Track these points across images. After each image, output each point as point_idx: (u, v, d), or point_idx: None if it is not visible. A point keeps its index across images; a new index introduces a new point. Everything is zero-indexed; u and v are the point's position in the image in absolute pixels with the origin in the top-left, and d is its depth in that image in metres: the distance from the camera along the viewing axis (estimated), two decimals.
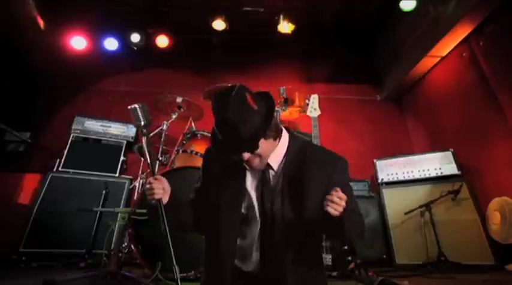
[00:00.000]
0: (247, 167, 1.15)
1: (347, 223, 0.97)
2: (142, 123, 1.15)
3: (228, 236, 1.11)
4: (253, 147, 1.04)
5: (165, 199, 1.12)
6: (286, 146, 1.16)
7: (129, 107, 1.16)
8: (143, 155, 1.15)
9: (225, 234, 1.11)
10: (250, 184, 1.16)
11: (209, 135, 2.75)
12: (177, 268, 1.00)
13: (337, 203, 0.92)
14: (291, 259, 1.05)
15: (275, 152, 1.13)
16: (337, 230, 1.01)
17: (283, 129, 1.19)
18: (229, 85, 1.08)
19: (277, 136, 1.13)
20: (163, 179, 1.13)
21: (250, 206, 1.14)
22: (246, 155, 1.06)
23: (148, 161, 1.14)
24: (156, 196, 1.08)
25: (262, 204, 1.12)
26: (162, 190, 1.10)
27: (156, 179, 1.11)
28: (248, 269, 1.12)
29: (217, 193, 1.16)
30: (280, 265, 1.05)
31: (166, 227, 1.06)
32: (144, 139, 1.16)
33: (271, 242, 1.09)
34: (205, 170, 1.28)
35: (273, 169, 1.14)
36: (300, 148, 1.18)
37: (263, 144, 1.05)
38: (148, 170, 3.25)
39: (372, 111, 4.87)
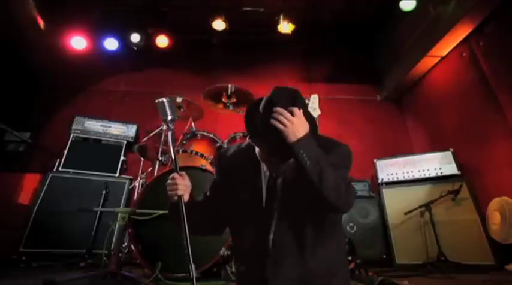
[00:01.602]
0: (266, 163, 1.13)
1: (305, 153, 0.95)
2: (170, 117, 1.13)
3: (256, 233, 1.09)
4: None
5: (186, 197, 1.11)
6: None
7: (156, 101, 1.14)
8: (169, 149, 1.12)
9: (251, 232, 1.10)
10: (263, 179, 1.16)
11: (209, 135, 2.75)
12: (193, 266, 0.98)
13: (281, 114, 0.96)
14: (300, 252, 1.04)
15: None
16: (299, 162, 0.97)
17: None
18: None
19: None
20: (186, 176, 1.12)
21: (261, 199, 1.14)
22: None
23: (173, 156, 1.12)
24: (179, 192, 1.07)
25: (269, 197, 1.13)
26: (185, 187, 1.09)
27: (180, 175, 1.09)
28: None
29: (236, 190, 1.15)
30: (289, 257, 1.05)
31: (186, 225, 1.04)
32: (169, 134, 1.14)
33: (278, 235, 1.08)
34: (222, 169, 1.25)
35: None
36: None
37: None
38: (150, 170, 3.26)
39: (372, 111, 4.87)
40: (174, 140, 1.13)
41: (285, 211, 1.09)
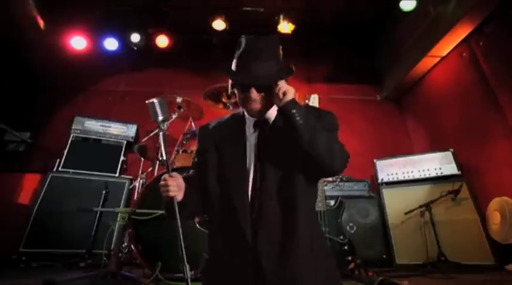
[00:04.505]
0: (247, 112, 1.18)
1: (297, 112, 1.04)
2: (160, 118, 1.13)
3: (241, 198, 1.09)
4: (271, 79, 1.11)
5: (180, 197, 1.10)
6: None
7: (146, 101, 1.14)
8: (158, 151, 1.15)
9: (237, 197, 1.09)
10: (249, 143, 1.18)
11: None
12: (187, 267, 0.99)
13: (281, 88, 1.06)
14: (286, 219, 1.06)
15: (274, 108, 1.18)
16: (291, 121, 1.04)
17: None
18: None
19: None
20: (178, 176, 1.11)
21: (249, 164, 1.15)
22: (255, 94, 1.10)
23: (164, 157, 1.11)
24: (171, 194, 1.06)
25: (258, 159, 1.14)
26: (176, 188, 1.08)
27: (171, 176, 1.08)
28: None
29: (220, 157, 1.15)
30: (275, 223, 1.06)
31: (179, 226, 1.03)
32: (160, 134, 1.13)
33: (262, 199, 1.08)
34: (203, 143, 1.26)
35: (268, 123, 1.18)
36: None
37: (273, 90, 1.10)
38: (150, 170, 3.26)
39: (372, 111, 4.87)
40: (166, 141, 1.12)
41: (268, 167, 1.10)
